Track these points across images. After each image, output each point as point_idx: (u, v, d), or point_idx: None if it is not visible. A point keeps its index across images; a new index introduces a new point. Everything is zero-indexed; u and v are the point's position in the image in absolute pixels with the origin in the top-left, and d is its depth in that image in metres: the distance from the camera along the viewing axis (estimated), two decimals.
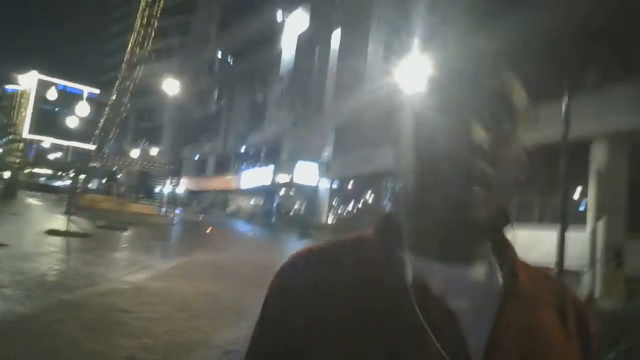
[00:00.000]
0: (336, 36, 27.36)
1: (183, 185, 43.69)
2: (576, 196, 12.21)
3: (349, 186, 25.26)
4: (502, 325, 0.55)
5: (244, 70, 39.59)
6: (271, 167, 31.23)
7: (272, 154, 33.35)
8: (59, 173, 54.69)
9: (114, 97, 46.12)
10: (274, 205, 31.53)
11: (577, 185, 12.02)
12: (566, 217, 8.61)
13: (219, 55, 43.51)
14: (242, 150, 38.85)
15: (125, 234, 15.60)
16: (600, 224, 10.71)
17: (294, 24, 32.24)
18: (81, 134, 61.00)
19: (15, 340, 4.10)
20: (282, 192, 31.28)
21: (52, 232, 12.50)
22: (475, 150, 0.54)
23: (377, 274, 0.58)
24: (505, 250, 0.62)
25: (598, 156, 11.23)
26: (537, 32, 11.10)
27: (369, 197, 23.14)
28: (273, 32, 34.95)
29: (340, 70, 25.84)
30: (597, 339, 0.64)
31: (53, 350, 3.94)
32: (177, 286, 7.40)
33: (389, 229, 0.62)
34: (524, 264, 0.63)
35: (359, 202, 24.17)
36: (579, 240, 10.06)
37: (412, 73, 13.63)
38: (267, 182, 30.88)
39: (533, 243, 10.51)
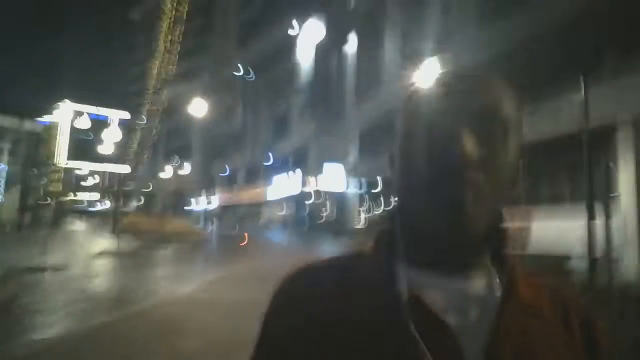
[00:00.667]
0: (352, 42, 27.90)
1: (216, 200, 44.90)
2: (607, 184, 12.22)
3: (377, 189, 25.62)
4: (498, 339, 0.55)
5: (265, 83, 40.61)
6: (299, 174, 31.90)
7: (298, 163, 34.04)
8: (99, 198, 57.05)
9: (144, 121, 47.98)
10: (305, 212, 32.15)
11: (605, 173, 12.06)
12: (593, 204, 8.75)
13: (240, 70, 44.77)
14: (269, 161, 39.75)
15: (167, 251, 16.42)
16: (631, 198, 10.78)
17: (310, 33, 32.95)
18: (116, 158, 63.55)
19: (95, 348, 4.75)
20: (311, 199, 31.90)
21: (102, 253, 13.40)
22: (468, 161, 0.53)
23: (373, 290, 0.57)
24: (504, 260, 0.61)
25: (622, 140, 11.27)
26: (551, 17, 11.30)
27: (390, 199, 23.48)
28: (290, 43, 35.79)
29: (358, 76, 26.33)
30: (605, 343, 0.63)
31: (129, 353, 4.57)
32: (222, 295, 7.98)
33: (386, 243, 0.62)
34: (525, 273, 0.62)
35: (388, 204, 24.47)
36: (611, 229, 10.17)
37: (427, 76, 13.99)
38: (296, 191, 31.55)
39: (565, 232, 10.72)
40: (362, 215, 26.49)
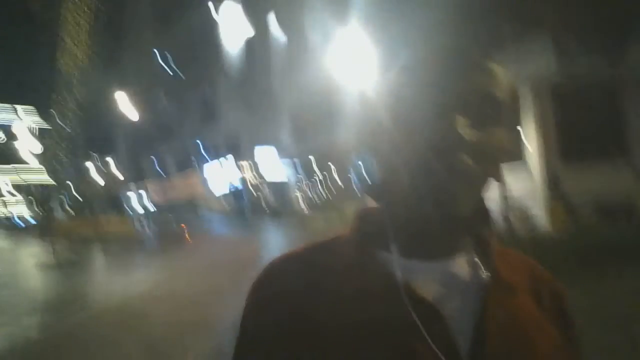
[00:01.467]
0: (272, 22, 27.83)
1: (148, 195, 43.37)
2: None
3: (311, 167, 26.20)
4: (487, 319, 0.55)
5: (189, 69, 39.35)
6: (232, 161, 31.76)
7: (230, 150, 33.79)
8: (24, 210, 52.87)
9: (56, 120, 44.71)
10: (243, 198, 32.20)
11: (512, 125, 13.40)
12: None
13: (159, 57, 42.90)
14: (200, 150, 38.98)
15: (105, 254, 15.94)
16: (537, 158, 12.23)
17: (228, 15, 32.27)
18: (36, 166, 58.75)
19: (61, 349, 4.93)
20: (248, 185, 31.95)
21: (40, 265, 12.83)
22: (460, 144, 0.52)
23: (360, 277, 0.56)
24: (486, 243, 0.61)
25: (526, 101, 12.61)
26: None
27: (332, 174, 24.21)
28: (209, 26, 34.84)
29: (282, 56, 26.41)
30: (573, 315, 0.65)
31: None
32: (166, 292, 8.08)
33: (368, 227, 0.61)
34: (503, 252, 0.63)
35: (322, 180, 25.20)
36: (522, 178, 11.60)
37: (351, 56, 14.54)
38: (232, 179, 31.43)
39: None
40: (300, 196, 27.06)
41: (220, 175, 33.27)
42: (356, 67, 15.57)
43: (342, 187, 22.96)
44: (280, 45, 26.85)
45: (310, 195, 25.96)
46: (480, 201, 0.60)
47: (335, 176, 24.17)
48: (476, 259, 0.61)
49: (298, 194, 27.05)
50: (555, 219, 11.10)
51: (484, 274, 0.59)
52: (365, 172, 22.20)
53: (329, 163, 24.17)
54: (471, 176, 0.54)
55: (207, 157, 37.90)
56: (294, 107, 25.35)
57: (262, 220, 25.15)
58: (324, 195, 24.04)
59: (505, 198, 9.80)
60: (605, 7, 10.53)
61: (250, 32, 29.51)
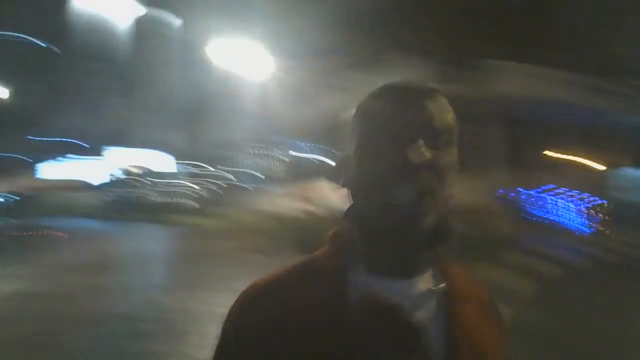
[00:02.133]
0: (171, 21, 27.21)
1: (17, 189, 38.93)
2: None
3: (200, 165, 26.14)
4: (455, 330, 0.62)
5: (75, 58, 36.24)
6: (118, 155, 30.18)
7: (116, 142, 32.04)
8: None
9: None
10: (128, 195, 30.74)
11: None
12: None
13: (42, 42, 38.80)
14: (81, 141, 36.20)
15: None
16: None
17: (122, 7, 30.66)
18: None
19: None
20: (134, 181, 30.61)
21: None
22: (422, 165, 0.59)
23: (329, 297, 0.60)
24: (443, 260, 0.68)
25: None
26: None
27: (221, 172, 24.48)
28: (100, 17, 32.64)
29: (179, 56, 25.99)
30: (501, 318, 0.74)
31: None
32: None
33: (340, 247, 0.65)
34: (456, 269, 0.70)
35: (211, 179, 25.34)
36: None
37: (246, 63, 15.18)
38: (116, 173, 29.86)
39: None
40: (187, 193, 26.78)
41: (99, 169, 31.34)
42: (249, 66, 16.16)
43: (231, 185, 23.36)
44: (173, 37, 26.28)
45: (198, 193, 25.87)
46: (442, 217, 0.63)
47: (225, 174, 24.44)
48: (438, 275, 0.66)
49: (185, 190, 26.74)
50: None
51: (445, 286, 0.65)
52: (256, 169, 22.88)
53: (218, 161, 24.37)
54: (435, 193, 0.60)
55: (90, 152, 35.37)
56: (183, 102, 25.09)
57: (143, 216, 24.25)
58: (212, 192, 24.18)
59: None
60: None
61: (147, 29, 28.36)
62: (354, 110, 0.68)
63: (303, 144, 19.08)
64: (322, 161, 18.05)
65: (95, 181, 32.12)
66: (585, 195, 16.55)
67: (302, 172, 19.25)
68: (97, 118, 33.36)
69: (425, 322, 0.61)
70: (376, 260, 0.63)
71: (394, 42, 13.74)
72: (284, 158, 20.85)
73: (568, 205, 16.15)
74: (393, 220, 0.60)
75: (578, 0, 14.62)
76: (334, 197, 15.73)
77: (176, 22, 27.24)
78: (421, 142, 0.60)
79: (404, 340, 0.59)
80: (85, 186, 33.81)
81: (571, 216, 15.90)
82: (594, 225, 15.69)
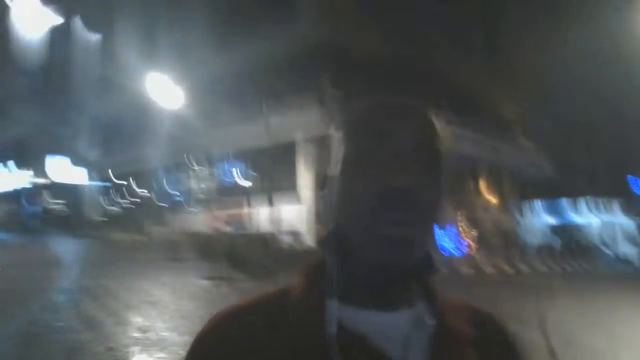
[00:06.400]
0: (80, 30, 26.91)
1: None
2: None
3: (115, 181, 25.96)
4: None
5: None
6: (24, 168, 28.77)
7: (20, 154, 30.48)
8: None
9: None
10: (31, 207, 29.25)
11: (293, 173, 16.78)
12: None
13: None
14: None
15: None
16: (312, 200, 15.71)
17: (28, 13, 29.56)
18: None
19: None
20: (40, 193, 29.29)
21: None
22: (409, 191, 0.53)
23: (302, 329, 0.56)
24: (433, 293, 0.61)
25: (303, 152, 16.12)
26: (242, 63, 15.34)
27: (137, 190, 24.57)
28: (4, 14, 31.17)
29: (95, 70, 25.84)
30: (517, 350, 0.67)
31: None
32: None
33: (316, 276, 0.60)
34: (450, 302, 0.63)
35: (127, 196, 25.28)
36: (299, 211, 14.93)
37: (164, 92, 16.16)
38: (20, 184, 28.40)
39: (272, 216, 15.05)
40: (102, 208, 26.26)
41: (5, 183, 29.53)
42: (164, 84, 17.02)
43: (142, 200, 23.47)
44: (87, 46, 26.02)
45: (105, 206, 25.52)
46: (427, 248, 0.59)
47: (135, 189, 24.39)
48: (425, 309, 0.60)
49: (95, 204, 26.20)
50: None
51: (431, 323, 0.58)
52: (168, 185, 23.22)
53: (139, 183, 24.35)
54: (422, 221, 0.55)
55: None
56: (103, 119, 24.90)
57: (54, 230, 23.47)
58: (121, 206, 24.06)
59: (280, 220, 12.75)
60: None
61: (57, 37, 27.68)
62: (334, 128, 0.63)
63: (225, 165, 20.05)
64: (239, 182, 19.15)
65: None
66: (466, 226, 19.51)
67: (220, 193, 20.21)
68: (3, 127, 31.59)
69: None
70: (352, 291, 0.57)
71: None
72: (202, 179, 21.61)
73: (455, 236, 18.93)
74: (374, 251, 0.54)
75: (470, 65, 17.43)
76: (249, 217, 17.04)
77: (94, 37, 27.12)
78: (411, 164, 0.55)
79: None
80: None
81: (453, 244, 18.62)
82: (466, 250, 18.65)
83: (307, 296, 0.59)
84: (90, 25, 26.61)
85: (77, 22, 27.09)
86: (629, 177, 24.04)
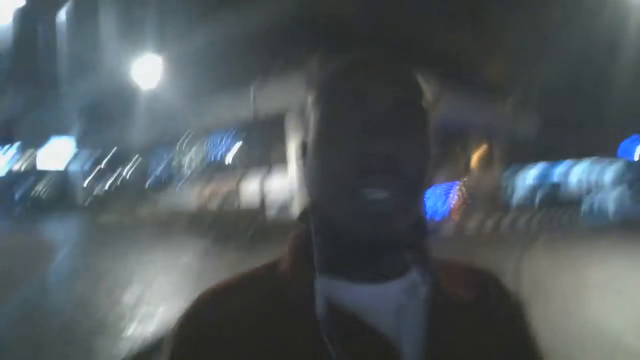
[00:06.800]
0: (62, 13, 26.29)
1: None
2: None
3: (103, 164, 25.87)
4: (433, 340, 0.53)
5: None
6: (12, 152, 28.49)
7: (7, 139, 30.13)
8: None
9: None
10: (16, 192, 29.15)
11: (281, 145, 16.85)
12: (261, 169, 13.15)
13: None
14: None
15: None
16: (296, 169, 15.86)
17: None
18: None
19: None
20: (23, 178, 29.17)
21: None
22: (393, 155, 0.49)
23: (288, 304, 0.53)
24: (426, 260, 0.58)
25: (290, 124, 16.15)
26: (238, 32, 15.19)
27: (125, 172, 24.56)
28: None
29: (73, 50, 25.31)
30: (527, 318, 0.64)
31: None
32: None
33: (302, 250, 0.57)
34: (444, 266, 0.61)
35: (115, 178, 25.27)
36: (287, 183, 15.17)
37: (145, 69, 15.94)
38: (8, 169, 28.21)
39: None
40: (87, 191, 26.25)
41: None
42: (151, 60, 16.78)
43: (133, 182, 23.50)
44: (72, 43, 25.50)
45: (97, 189, 25.56)
46: (417, 214, 0.56)
47: (123, 169, 24.39)
48: (417, 277, 0.57)
49: (81, 186, 26.19)
50: None
51: (426, 291, 0.56)
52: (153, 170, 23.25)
53: (127, 161, 24.29)
54: (408, 187, 0.51)
55: None
56: (90, 98, 24.51)
57: (40, 213, 23.48)
58: (112, 189, 24.11)
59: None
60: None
61: (34, 20, 26.87)
62: (310, 90, 0.57)
63: (213, 140, 20.04)
64: (227, 157, 19.23)
65: None
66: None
67: (208, 169, 20.29)
68: None
69: (399, 334, 0.52)
70: (341, 265, 0.54)
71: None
72: (190, 156, 21.62)
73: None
74: (358, 222, 0.50)
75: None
76: (237, 191, 17.21)
77: (71, 13, 26.38)
78: (392, 126, 0.50)
79: (373, 355, 0.50)
80: None
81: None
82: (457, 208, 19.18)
83: (293, 273, 0.56)
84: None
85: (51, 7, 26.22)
86: (619, 141, 24.59)
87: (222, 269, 8.50)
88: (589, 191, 21.90)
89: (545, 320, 4.54)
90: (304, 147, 0.59)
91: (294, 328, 0.52)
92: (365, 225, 0.51)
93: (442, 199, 18.93)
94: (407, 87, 0.54)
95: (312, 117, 0.56)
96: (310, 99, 0.58)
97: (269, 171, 15.90)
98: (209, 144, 20.48)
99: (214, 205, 17.66)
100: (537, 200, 23.23)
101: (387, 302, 0.54)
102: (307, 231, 0.58)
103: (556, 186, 24.13)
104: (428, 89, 0.56)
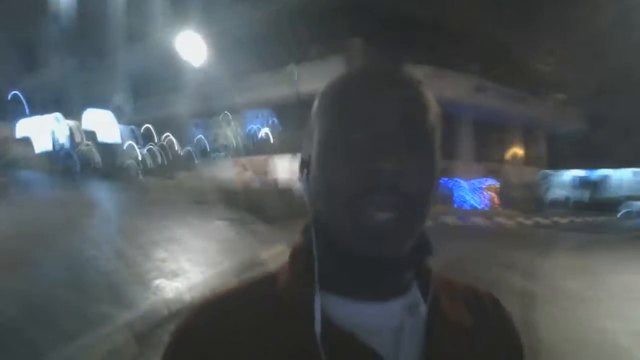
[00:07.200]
0: None
1: None
2: None
3: (148, 130, 26.95)
4: None
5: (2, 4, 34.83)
6: (57, 114, 30.13)
7: (54, 100, 31.81)
8: None
9: None
10: (71, 152, 30.89)
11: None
12: (295, 147, 13.62)
13: None
14: (15, 95, 35.29)
15: None
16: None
17: None
18: None
19: None
20: (76, 139, 30.79)
21: None
22: (399, 172, 0.48)
23: (286, 320, 0.53)
24: (427, 279, 0.58)
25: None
26: (274, 16, 15.44)
27: (168, 138, 25.56)
28: None
29: (125, 16, 26.23)
30: (520, 341, 0.64)
31: None
32: None
33: (302, 265, 0.56)
34: (445, 284, 0.60)
35: (157, 143, 26.33)
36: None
37: (189, 42, 16.45)
38: (59, 136, 29.91)
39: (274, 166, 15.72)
40: (134, 155, 27.52)
41: (45, 132, 31.11)
42: (196, 39, 17.34)
43: (179, 156, 24.41)
44: (124, 10, 26.43)
45: (146, 161, 26.65)
46: (421, 236, 0.56)
47: (174, 144, 25.34)
48: (419, 296, 0.57)
49: (132, 159, 27.44)
50: None
51: (425, 309, 0.56)
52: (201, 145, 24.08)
53: (167, 132, 25.22)
54: (413, 206, 0.50)
55: (24, 108, 34.64)
56: (133, 69, 25.51)
57: (91, 178, 24.94)
58: (161, 162, 25.13)
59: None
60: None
61: None
62: (316, 101, 0.57)
63: (256, 117, 20.57)
64: (264, 134, 19.71)
65: (39, 140, 31.92)
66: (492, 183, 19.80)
67: (246, 143, 20.89)
68: (37, 74, 32.93)
69: (397, 353, 0.52)
70: (341, 282, 0.54)
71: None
72: (230, 130, 22.28)
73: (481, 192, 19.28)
74: (360, 240, 0.50)
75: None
76: (271, 167, 17.70)
77: None
78: (399, 143, 0.49)
79: None
80: (27, 143, 33.43)
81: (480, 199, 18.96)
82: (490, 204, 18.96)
83: (292, 287, 0.56)
84: None
85: None
86: None
87: (244, 233, 9.02)
88: (628, 198, 21.12)
89: (556, 321, 4.62)
90: (306, 162, 0.58)
91: (291, 343, 0.51)
92: (368, 244, 0.50)
93: (481, 189, 18.77)
94: (414, 103, 0.53)
95: (317, 132, 0.55)
96: (315, 114, 0.57)
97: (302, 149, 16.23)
98: (249, 120, 21.01)
99: (248, 177, 18.27)
100: (581, 195, 22.56)
101: (386, 320, 0.54)
102: (308, 245, 0.57)
103: (602, 181, 23.32)
104: (433, 101, 0.55)
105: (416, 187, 0.50)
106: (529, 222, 15.67)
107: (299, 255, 0.59)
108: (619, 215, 19.70)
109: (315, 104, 0.57)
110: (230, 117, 21.71)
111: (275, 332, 0.52)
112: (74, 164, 30.04)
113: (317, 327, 0.50)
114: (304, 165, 0.59)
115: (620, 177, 23.56)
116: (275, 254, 7.61)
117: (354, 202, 0.50)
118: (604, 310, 5.29)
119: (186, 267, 6.29)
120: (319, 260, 0.55)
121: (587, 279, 6.93)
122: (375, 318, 0.54)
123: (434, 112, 0.54)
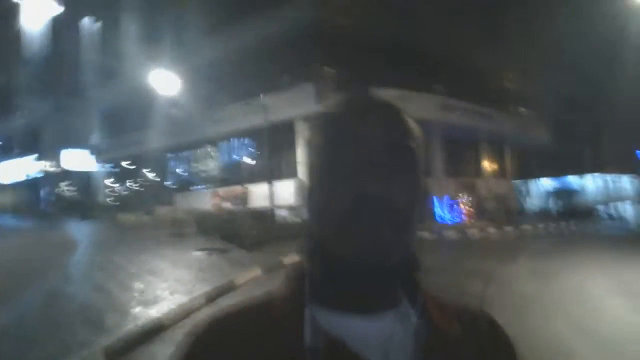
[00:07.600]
0: (89, 23, 27.74)
1: None
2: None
3: (123, 166, 27.01)
4: None
5: None
6: (32, 156, 30.06)
7: (29, 143, 31.76)
8: None
9: None
10: (45, 193, 30.66)
11: (290, 150, 17.63)
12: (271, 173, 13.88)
13: None
14: None
15: None
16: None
17: (35, 5, 30.43)
18: None
19: None
20: (51, 180, 30.62)
21: None
22: (384, 194, 0.53)
23: (279, 333, 0.55)
24: (417, 295, 0.60)
25: (300, 130, 16.92)
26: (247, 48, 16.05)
27: (144, 173, 25.67)
28: (11, 6, 31.94)
29: (98, 56, 26.61)
30: (508, 346, 0.65)
31: None
32: None
33: (298, 280, 0.60)
34: (436, 302, 0.62)
35: (135, 180, 26.40)
36: (295, 186, 15.87)
37: (162, 79, 16.92)
38: (33, 172, 29.76)
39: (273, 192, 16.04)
40: (109, 192, 27.48)
41: (17, 172, 30.93)
42: (168, 74, 17.76)
43: (158, 190, 24.47)
44: (97, 52, 26.84)
45: (125, 198, 26.61)
46: (410, 252, 0.59)
47: (152, 180, 25.37)
48: (410, 312, 0.59)
49: (110, 197, 27.40)
50: None
51: (416, 324, 0.58)
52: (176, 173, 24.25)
53: (145, 168, 25.29)
54: (399, 224, 0.54)
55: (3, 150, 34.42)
56: (109, 108, 25.75)
57: (66, 215, 24.71)
58: (139, 198, 25.13)
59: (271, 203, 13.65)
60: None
61: (64, 28, 28.40)
62: (309, 132, 0.63)
63: (231, 148, 20.93)
64: (240, 161, 20.07)
65: (9, 180, 31.64)
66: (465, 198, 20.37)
67: (222, 172, 21.19)
68: (10, 118, 32.94)
69: None
70: (332, 296, 0.58)
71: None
72: (205, 160, 22.55)
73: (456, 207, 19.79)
74: (351, 256, 0.54)
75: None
76: (248, 194, 18.04)
77: (94, 25, 27.83)
78: (384, 167, 0.54)
79: None
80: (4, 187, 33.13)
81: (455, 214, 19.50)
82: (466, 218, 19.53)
83: (286, 302, 0.59)
84: (90, 14, 27.31)
85: (78, 12, 27.76)
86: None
87: (222, 262, 9.31)
88: (606, 202, 21.81)
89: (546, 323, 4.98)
90: (306, 186, 0.63)
91: (283, 356, 0.54)
92: (358, 260, 0.53)
93: (455, 206, 19.35)
94: (393, 128, 0.57)
95: (311, 158, 0.61)
96: (309, 143, 0.62)
97: (279, 174, 16.70)
98: (224, 148, 21.36)
99: (226, 206, 18.55)
100: (553, 205, 23.25)
101: (377, 333, 0.56)
102: (301, 262, 0.61)
103: (573, 192, 24.10)
104: (414, 126, 0.60)
105: (401, 206, 0.54)
106: (499, 232, 16.24)
107: (295, 271, 0.62)
108: (589, 220, 20.43)
109: (308, 134, 0.63)
110: (208, 149, 22.04)
111: (268, 346, 0.55)
112: (52, 204, 29.87)
113: (307, 339, 0.54)
114: (305, 188, 0.63)
115: (593, 184, 24.40)
116: (249, 279, 7.92)
117: (344, 220, 0.54)
118: (552, 311, 5.69)
119: (163, 295, 6.58)
120: (313, 275, 0.59)
121: (542, 282, 7.40)
122: (366, 330, 0.56)
123: (415, 136, 0.59)
